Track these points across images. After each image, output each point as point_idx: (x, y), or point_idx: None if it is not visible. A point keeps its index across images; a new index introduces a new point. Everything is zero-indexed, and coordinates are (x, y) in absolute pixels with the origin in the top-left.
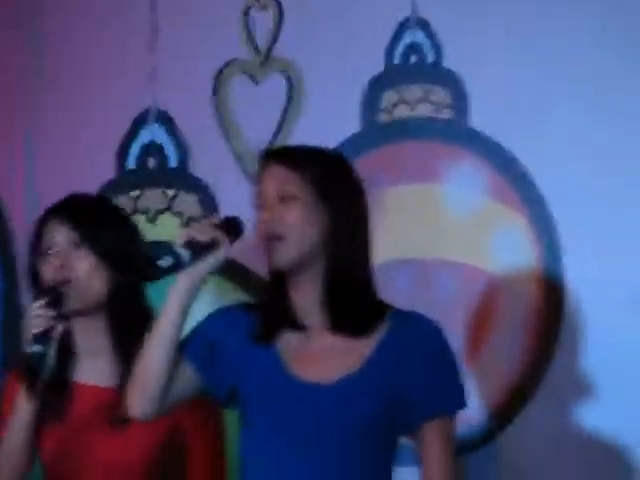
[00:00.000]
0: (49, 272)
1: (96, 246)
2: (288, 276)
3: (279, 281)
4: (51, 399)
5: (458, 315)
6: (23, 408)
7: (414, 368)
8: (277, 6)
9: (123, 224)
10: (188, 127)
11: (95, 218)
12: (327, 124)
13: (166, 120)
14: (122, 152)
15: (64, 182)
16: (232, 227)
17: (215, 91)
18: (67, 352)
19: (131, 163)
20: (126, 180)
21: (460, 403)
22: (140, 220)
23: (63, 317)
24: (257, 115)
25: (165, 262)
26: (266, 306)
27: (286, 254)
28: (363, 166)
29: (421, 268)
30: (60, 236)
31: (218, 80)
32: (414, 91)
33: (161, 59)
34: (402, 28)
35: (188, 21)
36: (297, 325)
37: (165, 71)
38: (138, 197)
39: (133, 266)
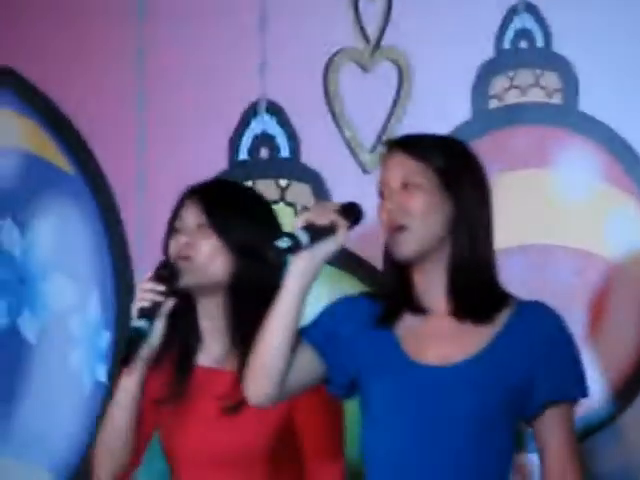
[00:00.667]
0: (174, 248)
1: (222, 231)
2: (412, 262)
3: (402, 265)
4: (173, 379)
5: (575, 301)
6: (123, 384)
7: (535, 355)
8: None
9: (258, 214)
10: (299, 117)
11: (227, 204)
12: (438, 111)
13: (277, 110)
14: (234, 143)
15: (176, 173)
16: (351, 212)
17: (325, 80)
18: (192, 333)
19: (243, 154)
20: (238, 171)
21: (581, 391)
22: None
23: (174, 293)
24: (367, 104)
25: (283, 243)
26: (388, 290)
27: (410, 245)
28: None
29: (536, 254)
30: (191, 216)
31: (328, 69)
32: (525, 76)
33: (271, 49)
34: (511, 13)
35: (297, 10)
36: (419, 309)
37: (275, 61)
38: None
39: (259, 254)
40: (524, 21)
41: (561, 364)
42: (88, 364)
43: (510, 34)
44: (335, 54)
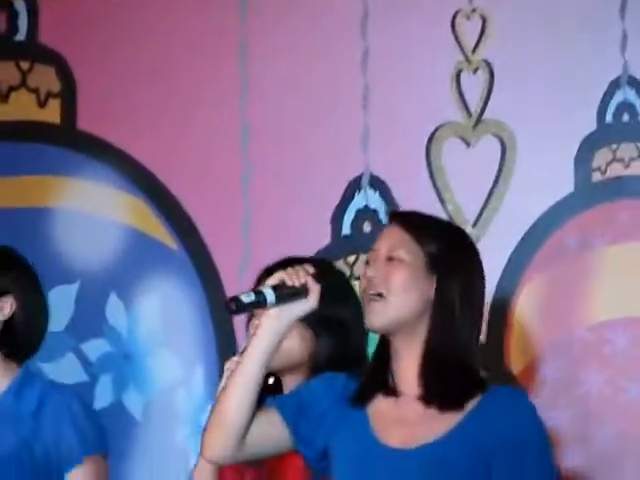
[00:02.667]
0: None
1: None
2: (390, 341)
3: (385, 346)
4: None
5: None
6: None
7: (497, 443)
8: (488, 68)
9: (343, 291)
10: (401, 191)
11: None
12: (540, 184)
13: (379, 184)
14: (337, 217)
15: (280, 249)
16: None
17: (428, 154)
18: None
19: (346, 228)
20: (342, 245)
21: None
22: (357, 285)
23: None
24: (470, 177)
25: (246, 298)
26: (366, 370)
27: (382, 314)
28: (578, 226)
29: None
30: None
31: (431, 143)
32: (628, 149)
33: (373, 124)
34: (613, 86)
35: (399, 84)
36: (391, 391)
37: (377, 135)
38: (354, 262)
39: (342, 331)
40: (626, 94)
41: (522, 455)
42: (194, 440)
43: (612, 107)
44: (437, 128)
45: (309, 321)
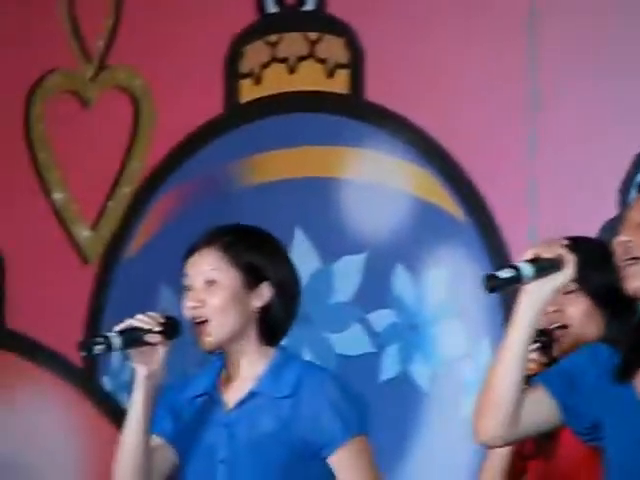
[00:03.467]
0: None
1: (589, 287)
2: None
3: None
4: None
5: None
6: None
7: None
8: None
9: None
10: None
11: (590, 260)
12: None
13: None
14: (624, 190)
15: (566, 219)
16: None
17: None
18: None
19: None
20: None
21: None
22: None
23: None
24: None
25: (505, 274)
26: (628, 343)
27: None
28: None
29: None
30: None
31: None
32: None
33: None
34: None
35: None
36: None
37: None
38: None
39: (629, 308)
40: None
41: None
42: None
43: None
44: None
45: (603, 305)
